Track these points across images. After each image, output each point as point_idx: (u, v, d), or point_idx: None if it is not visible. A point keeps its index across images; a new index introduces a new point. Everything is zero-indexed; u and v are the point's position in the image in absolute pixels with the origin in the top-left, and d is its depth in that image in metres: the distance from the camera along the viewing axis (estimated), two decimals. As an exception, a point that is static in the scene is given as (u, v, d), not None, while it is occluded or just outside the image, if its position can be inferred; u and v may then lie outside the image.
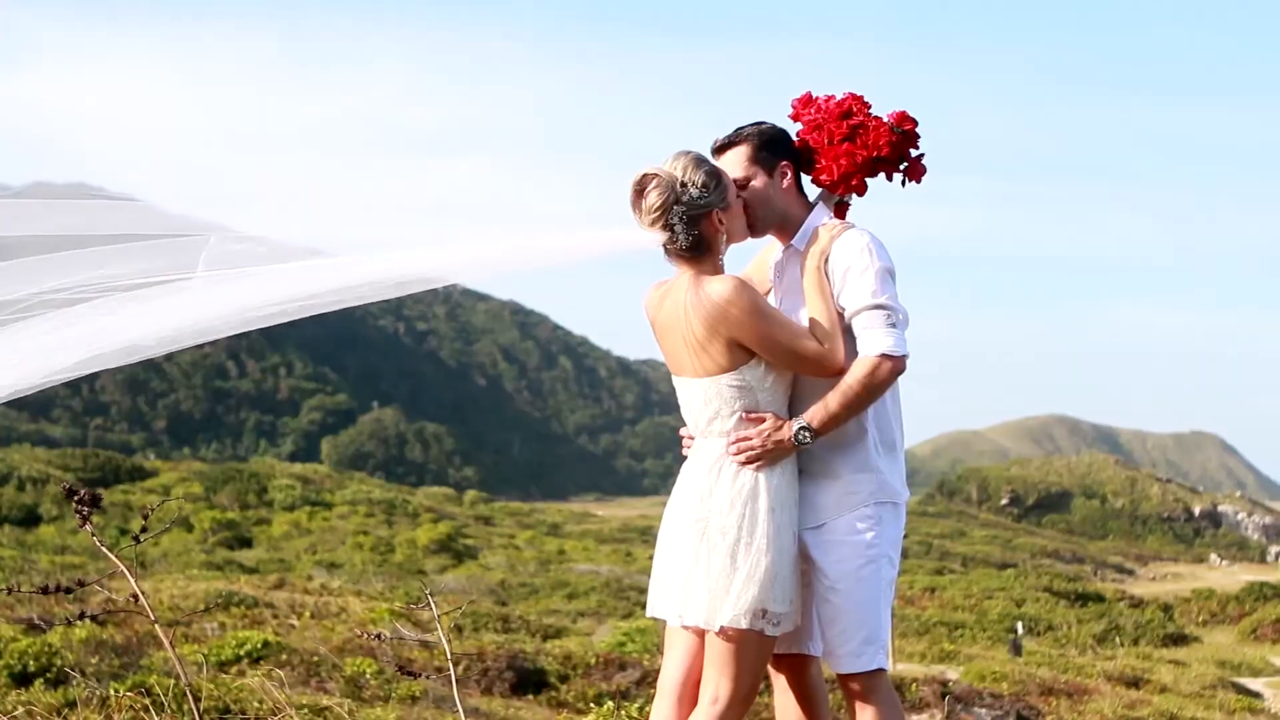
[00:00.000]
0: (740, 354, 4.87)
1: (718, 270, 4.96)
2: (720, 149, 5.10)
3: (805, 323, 4.98)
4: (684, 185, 4.88)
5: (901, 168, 5.17)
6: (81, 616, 4.80)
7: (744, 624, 4.81)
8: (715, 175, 4.92)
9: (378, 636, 6.30)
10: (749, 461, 4.88)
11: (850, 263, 4.94)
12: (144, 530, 4.69)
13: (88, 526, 4.57)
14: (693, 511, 4.94)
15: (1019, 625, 35.57)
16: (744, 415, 4.91)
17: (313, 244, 5.42)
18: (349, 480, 65.38)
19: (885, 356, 4.86)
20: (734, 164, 5.05)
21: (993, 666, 23.99)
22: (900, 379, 5.00)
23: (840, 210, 5.23)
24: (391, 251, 5.33)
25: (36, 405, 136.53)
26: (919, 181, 5.19)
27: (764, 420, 4.91)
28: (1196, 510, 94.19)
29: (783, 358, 4.89)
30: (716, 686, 4.89)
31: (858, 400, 4.88)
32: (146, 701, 7.76)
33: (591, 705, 11.91)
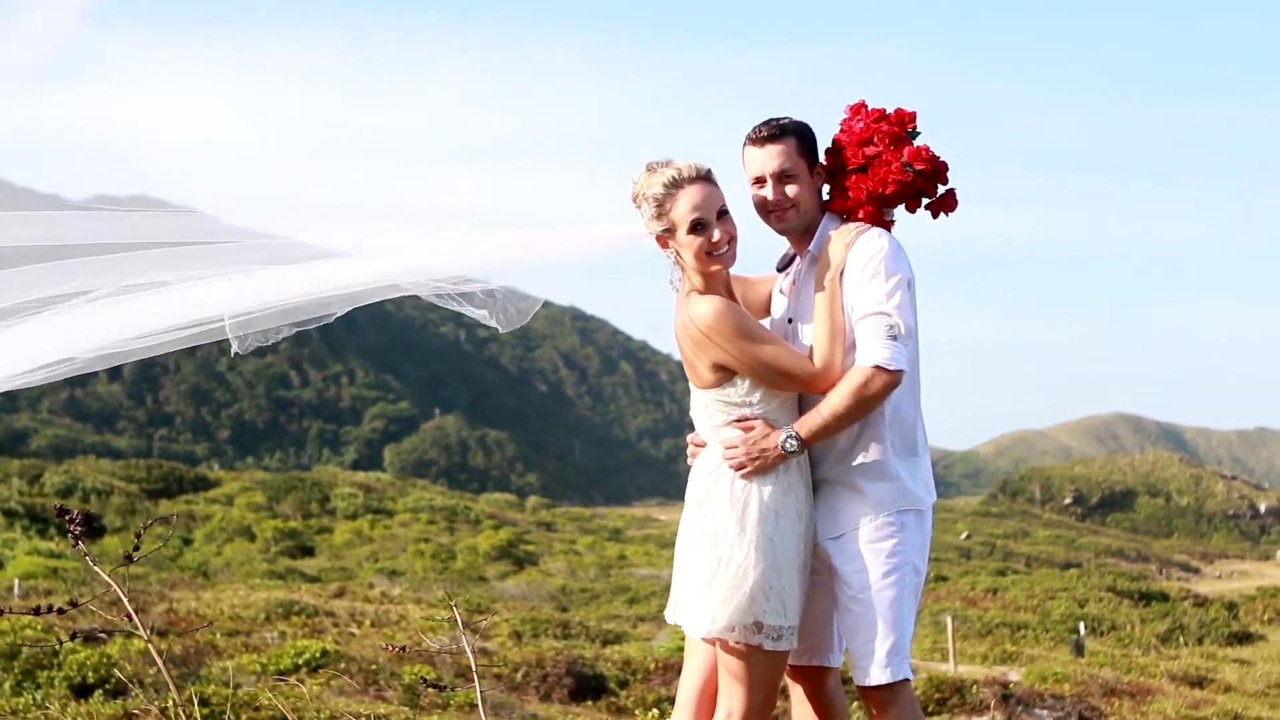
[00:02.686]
0: (724, 373, 4.83)
1: (709, 286, 4.87)
2: (765, 139, 4.92)
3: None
4: (640, 194, 4.86)
5: (924, 204, 5.00)
6: (74, 637, 4.86)
7: (738, 638, 4.75)
8: (652, 201, 4.81)
9: (401, 650, 6.29)
10: (737, 469, 4.81)
11: (864, 268, 4.80)
12: (137, 549, 4.72)
13: (79, 545, 4.60)
14: (692, 516, 4.91)
15: (1081, 625, 35.34)
16: (733, 423, 4.86)
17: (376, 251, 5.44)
18: (411, 488, 65.71)
19: (879, 369, 4.72)
20: (780, 156, 4.90)
21: (1055, 667, 23.85)
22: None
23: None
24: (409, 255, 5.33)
25: (101, 417, 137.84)
26: (948, 214, 5.02)
27: (753, 428, 4.84)
28: (1262, 507, 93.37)
29: (768, 378, 4.81)
30: (729, 700, 4.83)
31: (847, 411, 4.76)
32: (205, 711, 7.83)
33: (650, 712, 11.90)
